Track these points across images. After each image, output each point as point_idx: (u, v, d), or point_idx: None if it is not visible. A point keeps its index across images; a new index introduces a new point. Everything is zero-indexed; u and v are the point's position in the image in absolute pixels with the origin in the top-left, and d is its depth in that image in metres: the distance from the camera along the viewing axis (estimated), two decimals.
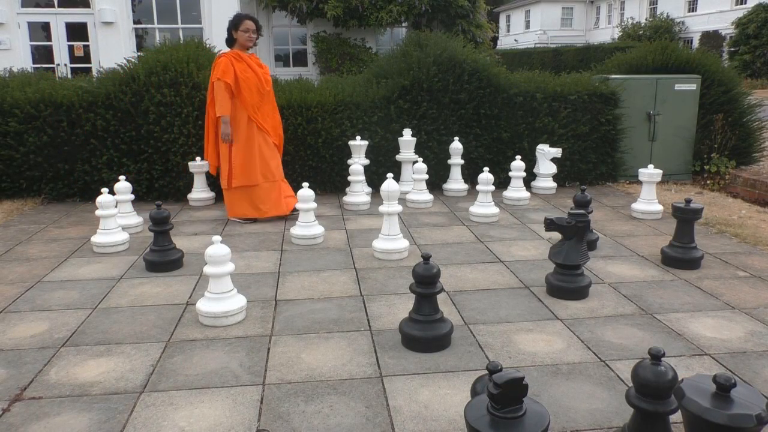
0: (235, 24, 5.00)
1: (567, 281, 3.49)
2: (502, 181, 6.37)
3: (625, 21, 37.74)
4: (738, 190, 6.70)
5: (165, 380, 2.63)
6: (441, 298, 3.33)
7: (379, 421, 2.32)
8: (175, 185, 6.10)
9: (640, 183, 5.69)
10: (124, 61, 6.23)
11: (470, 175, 6.46)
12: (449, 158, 6.34)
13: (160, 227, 4.03)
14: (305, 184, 4.70)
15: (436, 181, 6.44)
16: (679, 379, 1.92)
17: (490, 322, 3.21)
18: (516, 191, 5.93)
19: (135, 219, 5.03)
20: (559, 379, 2.61)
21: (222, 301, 3.19)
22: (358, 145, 6.01)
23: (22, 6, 12.92)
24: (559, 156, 6.32)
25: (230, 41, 5.07)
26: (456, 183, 6.34)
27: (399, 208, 4.28)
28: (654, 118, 6.92)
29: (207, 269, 3.22)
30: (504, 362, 2.75)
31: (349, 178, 5.80)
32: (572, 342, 2.97)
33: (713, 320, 3.22)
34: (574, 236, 3.44)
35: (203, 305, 3.20)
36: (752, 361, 2.78)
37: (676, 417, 2.08)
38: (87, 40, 13.30)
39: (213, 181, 6.11)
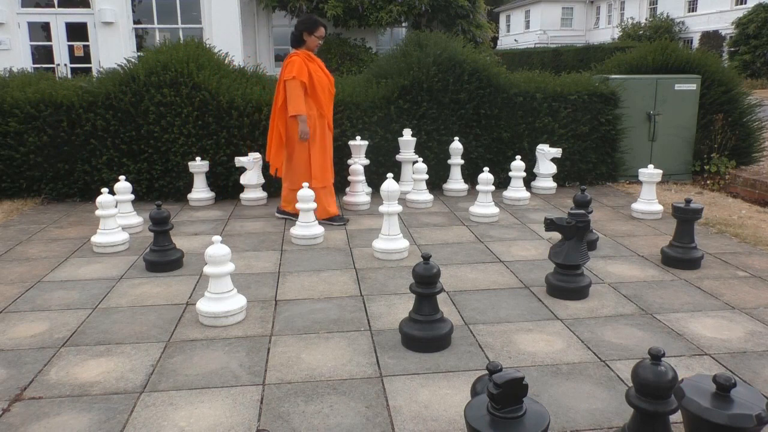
0: (310, 28, 4.93)
1: (567, 281, 3.49)
2: (502, 181, 6.37)
3: (625, 21, 37.73)
4: (738, 190, 6.70)
5: (165, 380, 2.63)
6: (441, 298, 3.33)
7: (379, 421, 2.32)
8: (175, 185, 6.10)
9: (640, 183, 5.69)
10: (124, 61, 6.24)
11: (470, 175, 6.45)
12: (449, 158, 6.34)
13: (160, 227, 4.03)
14: (305, 184, 4.70)
15: (436, 181, 6.44)
16: (679, 379, 1.92)
17: (490, 322, 3.21)
18: (516, 191, 5.93)
19: (135, 219, 5.03)
20: (559, 379, 2.61)
21: (222, 301, 3.19)
22: (358, 145, 6.01)
23: (22, 6, 12.92)
24: (559, 156, 6.33)
25: (298, 42, 4.97)
26: (456, 183, 6.34)
27: (399, 208, 4.29)
28: (654, 118, 6.92)
29: (207, 269, 3.22)
30: (504, 362, 2.75)
31: (349, 178, 5.80)
32: (572, 342, 2.97)
33: (713, 320, 3.22)
34: (574, 236, 3.44)
35: (203, 305, 3.20)
36: (752, 361, 2.78)
37: (676, 417, 2.08)
38: (87, 40, 13.30)
39: (213, 181, 6.12)
